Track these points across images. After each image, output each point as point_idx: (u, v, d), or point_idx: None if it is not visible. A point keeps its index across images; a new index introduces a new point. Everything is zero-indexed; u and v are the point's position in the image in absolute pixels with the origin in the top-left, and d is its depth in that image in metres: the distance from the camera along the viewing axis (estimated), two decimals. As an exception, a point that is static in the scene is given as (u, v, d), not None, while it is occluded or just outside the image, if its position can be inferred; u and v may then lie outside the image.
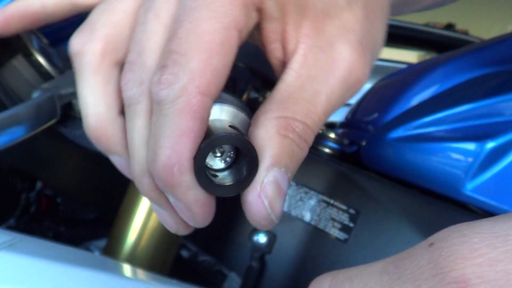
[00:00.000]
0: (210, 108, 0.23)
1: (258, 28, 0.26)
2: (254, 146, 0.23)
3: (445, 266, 0.15)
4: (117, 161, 0.28)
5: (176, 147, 0.22)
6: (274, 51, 0.26)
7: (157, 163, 0.23)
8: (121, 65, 0.27)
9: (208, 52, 0.22)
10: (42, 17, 0.31)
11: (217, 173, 0.25)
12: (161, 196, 0.25)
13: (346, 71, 0.25)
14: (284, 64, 0.26)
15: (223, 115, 0.25)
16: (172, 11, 0.24)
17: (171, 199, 0.24)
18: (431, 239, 0.16)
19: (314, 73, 0.24)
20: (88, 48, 0.26)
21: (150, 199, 0.26)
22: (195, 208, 0.24)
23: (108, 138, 0.27)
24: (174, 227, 0.27)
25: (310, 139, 0.25)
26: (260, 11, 0.24)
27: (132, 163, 0.26)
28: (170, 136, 0.22)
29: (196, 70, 0.22)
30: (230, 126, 0.24)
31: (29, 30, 0.32)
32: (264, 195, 0.23)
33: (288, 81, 0.25)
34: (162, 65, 0.23)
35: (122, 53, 0.27)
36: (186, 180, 0.23)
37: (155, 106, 0.23)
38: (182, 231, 0.27)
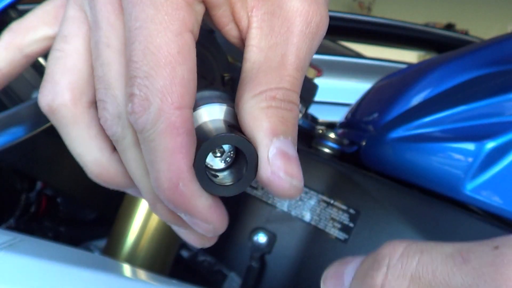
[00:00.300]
0: (191, 117, 0.23)
1: (208, 16, 0.26)
2: (247, 132, 0.23)
3: (504, 273, 0.15)
4: (133, 192, 0.28)
5: (172, 167, 0.22)
6: (230, 32, 0.26)
7: (161, 188, 0.23)
8: (95, 103, 0.26)
9: (169, 65, 0.22)
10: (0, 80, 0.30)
11: (217, 173, 0.25)
12: (177, 219, 0.25)
13: (303, 23, 0.25)
14: (242, 41, 0.26)
15: (222, 115, 0.25)
16: (121, 34, 0.24)
17: (186, 218, 0.24)
18: (498, 241, 0.17)
19: (274, 40, 0.24)
20: (57, 103, 0.26)
21: (169, 222, 0.26)
22: (210, 216, 0.24)
23: (114, 178, 0.27)
24: (200, 242, 0.27)
25: (295, 99, 0.24)
26: (205, 1, 0.24)
27: (143, 194, 0.26)
28: (163, 159, 0.22)
29: (165, 88, 0.22)
30: (229, 126, 0.24)
31: None
32: (277, 169, 0.23)
33: (252, 58, 0.25)
34: (130, 94, 0.22)
35: (91, 93, 0.26)
36: (195, 190, 0.23)
37: (139, 135, 0.23)
38: (207, 243, 0.27)
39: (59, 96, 0.26)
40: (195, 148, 0.23)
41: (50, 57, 0.27)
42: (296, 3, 0.25)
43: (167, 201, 0.23)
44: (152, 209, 0.26)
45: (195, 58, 0.23)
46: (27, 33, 0.29)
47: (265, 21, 0.25)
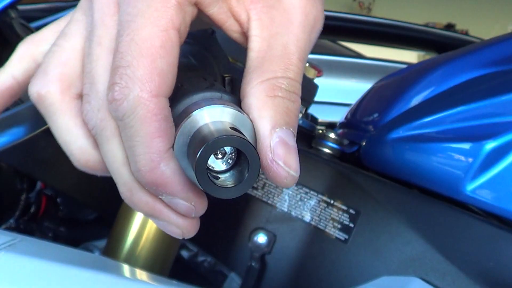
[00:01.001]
0: (168, 105, 0.24)
1: (205, 16, 0.27)
2: (251, 116, 0.25)
3: None
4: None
5: (153, 149, 0.24)
6: (231, 27, 0.27)
7: (143, 171, 0.24)
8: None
9: (151, 57, 0.24)
10: (17, 89, 0.31)
11: (219, 175, 0.25)
12: (156, 206, 0.26)
13: (302, 15, 0.26)
14: (244, 34, 0.27)
15: (224, 116, 0.24)
16: (113, 34, 0.26)
17: (166, 200, 0.25)
18: None
19: (274, 30, 0.26)
20: (45, 90, 0.27)
21: (146, 213, 0.27)
22: (191, 195, 0.25)
23: (100, 163, 0.28)
24: (179, 232, 0.27)
25: (298, 89, 0.26)
26: (197, 3, 0.26)
27: (118, 186, 0.27)
28: (143, 143, 0.24)
29: (144, 77, 0.23)
30: (231, 127, 0.24)
31: (6, 106, 0.32)
32: (277, 157, 0.24)
33: (256, 47, 0.26)
34: (111, 83, 0.24)
35: (80, 87, 0.28)
36: (175, 169, 0.24)
37: (119, 123, 0.24)
38: (187, 233, 0.27)
39: (48, 84, 0.27)
40: (173, 132, 0.24)
41: (48, 52, 0.28)
42: None
43: (148, 183, 0.24)
44: (128, 200, 0.27)
45: (177, 54, 0.25)
46: (40, 44, 0.30)
47: (265, 13, 0.26)
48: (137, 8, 0.24)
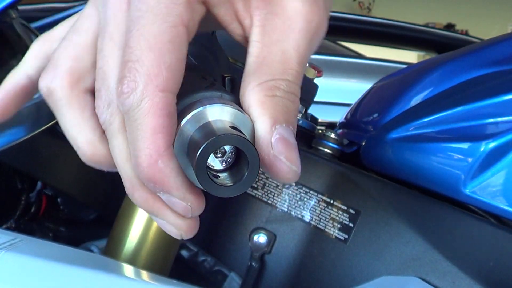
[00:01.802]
0: (174, 102, 0.24)
1: (212, 15, 0.27)
2: (251, 116, 0.25)
3: None
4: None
5: (153, 145, 0.24)
6: (235, 30, 0.28)
7: (141, 165, 0.24)
8: (92, 92, 0.28)
9: (159, 51, 0.24)
10: (31, 87, 0.31)
11: (218, 174, 0.25)
12: (155, 204, 0.27)
13: (304, 22, 0.26)
14: (246, 39, 0.28)
15: (224, 115, 0.25)
16: (123, 30, 0.26)
17: (164, 198, 0.25)
18: None
19: (275, 37, 0.26)
20: (55, 84, 0.28)
21: (146, 210, 0.27)
22: (188, 195, 0.25)
23: (106, 157, 0.28)
24: (177, 232, 0.28)
25: (297, 91, 0.26)
26: (205, 2, 0.26)
27: (123, 181, 0.27)
28: (144, 137, 0.24)
29: (151, 71, 0.24)
30: (231, 126, 0.24)
31: (25, 102, 0.32)
32: (278, 152, 0.24)
33: (256, 52, 0.26)
34: (121, 77, 0.24)
35: (89, 82, 0.28)
36: (173, 168, 0.24)
37: (125, 117, 0.24)
38: (185, 234, 0.28)
39: (58, 78, 0.28)
40: (175, 130, 0.24)
41: (58, 46, 0.29)
42: (297, 4, 0.26)
43: (146, 179, 0.24)
44: (131, 196, 0.27)
45: (186, 51, 0.25)
46: (54, 41, 0.30)
47: (268, 20, 0.26)
48: (147, 4, 0.24)
